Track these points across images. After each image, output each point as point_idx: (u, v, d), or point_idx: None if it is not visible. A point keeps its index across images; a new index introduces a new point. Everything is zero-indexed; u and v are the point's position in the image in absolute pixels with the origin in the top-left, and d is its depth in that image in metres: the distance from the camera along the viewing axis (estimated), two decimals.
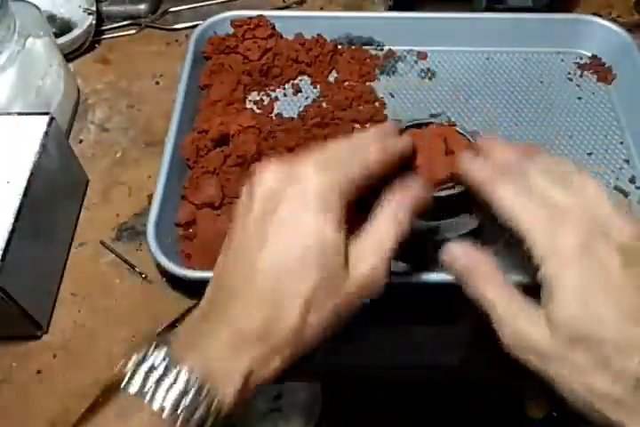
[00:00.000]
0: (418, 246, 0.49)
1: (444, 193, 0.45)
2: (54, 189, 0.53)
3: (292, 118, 0.62)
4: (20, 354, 0.51)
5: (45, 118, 0.52)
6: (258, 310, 0.33)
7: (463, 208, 0.47)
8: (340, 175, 0.35)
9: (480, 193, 0.37)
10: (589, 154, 0.60)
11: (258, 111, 0.63)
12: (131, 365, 0.32)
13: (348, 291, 0.34)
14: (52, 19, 0.71)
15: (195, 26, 0.69)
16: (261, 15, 0.66)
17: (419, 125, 0.49)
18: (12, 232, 0.46)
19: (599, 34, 0.66)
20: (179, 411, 0.30)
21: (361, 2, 0.76)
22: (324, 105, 0.63)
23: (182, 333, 0.34)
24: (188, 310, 0.52)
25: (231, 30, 0.66)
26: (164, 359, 0.31)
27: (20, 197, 0.48)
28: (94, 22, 0.70)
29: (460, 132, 0.48)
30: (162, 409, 0.30)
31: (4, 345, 0.51)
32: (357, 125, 0.61)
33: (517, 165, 0.36)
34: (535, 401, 0.80)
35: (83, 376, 0.50)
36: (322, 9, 0.75)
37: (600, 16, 0.68)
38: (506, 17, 0.67)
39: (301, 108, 0.63)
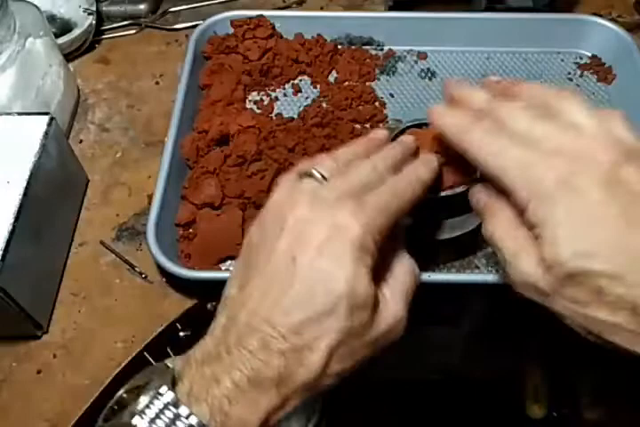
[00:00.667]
0: (421, 245, 0.49)
1: (443, 193, 0.45)
2: (54, 189, 0.53)
3: (292, 118, 0.62)
4: (20, 354, 0.51)
5: (45, 118, 0.52)
6: (278, 358, 0.31)
7: (465, 207, 0.47)
8: (378, 227, 0.34)
9: (458, 146, 0.36)
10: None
11: (258, 111, 0.63)
12: (143, 402, 0.31)
13: (371, 340, 0.34)
14: (52, 19, 0.71)
15: (195, 26, 0.69)
16: (261, 15, 0.66)
17: (419, 125, 0.49)
18: (12, 232, 0.46)
19: (599, 34, 0.66)
20: None
21: (361, 2, 0.76)
22: (323, 105, 0.63)
23: (195, 367, 0.32)
24: (188, 310, 0.53)
25: (231, 30, 0.66)
26: (175, 403, 0.30)
27: (20, 197, 0.48)
28: (94, 22, 0.70)
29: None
30: None
31: (4, 345, 0.51)
32: (357, 125, 0.61)
33: (495, 108, 0.35)
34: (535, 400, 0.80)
35: (83, 376, 0.50)
36: (322, 9, 0.75)
37: (600, 16, 0.68)
38: (506, 17, 0.67)
39: (301, 108, 0.63)
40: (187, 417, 0.30)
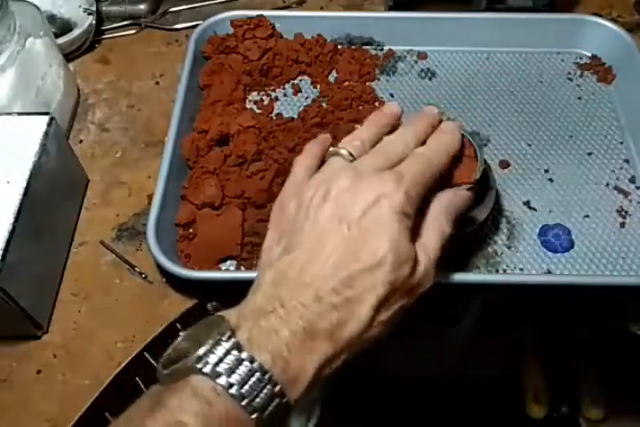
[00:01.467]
0: None
1: None
2: (54, 189, 0.53)
3: (292, 118, 0.61)
4: (20, 354, 0.51)
5: (45, 118, 0.52)
6: (331, 311, 0.34)
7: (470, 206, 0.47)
8: (415, 193, 0.38)
9: None
10: (589, 154, 0.60)
11: (258, 111, 0.63)
12: (205, 347, 0.32)
13: (408, 290, 0.37)
14: (52, 19, 0.71)
15: (195, 26, 0.69)
16: (261, 15, 0.66)
17: None
18: (12, 232, 0.46)
19: (599, 34, 0.66)
20: (247, 396, 0.31)
21: (361, 2, 0.76)
22: (323, 105, 0.63)
23: (250, 319, 0.34)
24: (189, 310, 0.52)
25: (231, 30, 0.66)
26: (239, 347, 0.32)
27: (20, 197, 0.48)
28: (94, 22, 0.69)
29: (460, 133, 0.48)
30: (230, 387, 0.31)
31: (4, 345, 0.51)
32: (357, 125, 0.61)
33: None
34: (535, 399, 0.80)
35: (83, 376, 0.50)
36: (322, 9, 0.75)
37: (600, 16, 0.68)
38: (506, 17, 0.67)
39: (301, 108, 0.63)
40: (250, 361, 0.31)
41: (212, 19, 0.67)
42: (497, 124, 0.62)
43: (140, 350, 0.51)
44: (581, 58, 0.68)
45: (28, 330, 0.50)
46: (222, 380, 0.31)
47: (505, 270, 0.52)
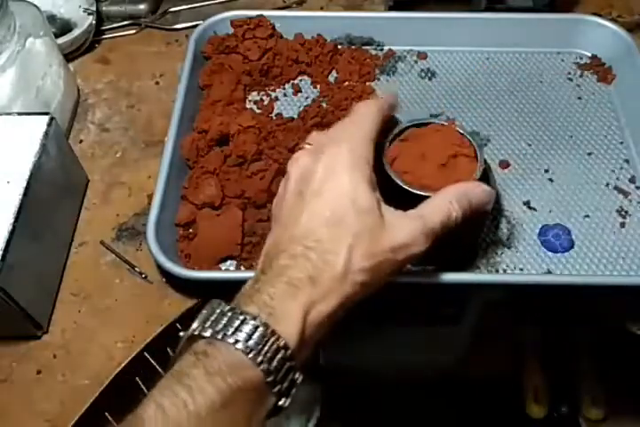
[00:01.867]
0: None
1: None
2: (54, 189, 0.53)
3: (292, 118, 0.61)
4: (20, 354, 0.51)
5: (45, 118, 0.52)
6: (307, 261, 0.37)
7: None
8: (358, 142, 0.42)
9: None
10: (589, 154, 0.60)
11: (258, 111, 0.63)
12: (201, 317, 0.35)
13: (391, 247, 0.39)
14: (52, 19, 0.71)
15: (195, 26, 0.69)
16: (261, 15, 0.66)
17: (418, 125, 0.49)
18: (12, 232, 0.46)
19: (599, 34, 0.66)
20: (250, 345, 0.33)
21: (361, 2, 0.76)
22: (323, 105, 0.63)
23: (244, 289, 0.38)
24: (189, 310, 0.52)
25: (231, 30, 0.66)
26: (231, 309, 0.35)
27: (20, 197, 0.48)
28: (94, 22, 0.70)
29: (459, 132, 0.49)
30: (236, 343, 0.33)
31: (4, 345, 0.51)
32: None
33: None
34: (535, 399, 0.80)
35: (83, 376, 0.50)
36: (322, 9, 0.75)
37: (600, 16, 0.67)
38: (506, 17, 0.67)
39: (301, 108, 0.63)
40: (240, 314, 0.35)
41: (212, 19, 0.67)
42: (497, 124, 0.62)
43: (140, 350, 0.51)
44: (581, 58, 0.68)
45: (28, 330, 0.50)
46: (220, 336, 0.34)
47: (505, 270, 0.52)
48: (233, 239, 0.52)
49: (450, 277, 0.49)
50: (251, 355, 0.33)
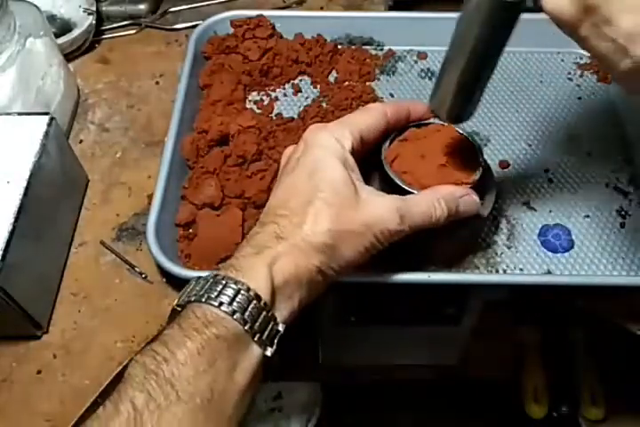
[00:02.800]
0: (422, 245, 0.49)
1: None
2: (54, 189, 0.53)
3: (292, 118, 0.62)
4: (20, 354, 0.51)
5: (45, 118, 0.52)
6: (275, 225, 0.40)
7: None
8: (341, 128, 0.44)
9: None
10: (589, 154, 0.60)
11: (258, 111, 0.63)
12: (181, 293, 0.38)
13: (363, 220, 0.40)
14: (52, 19, 0.71)
15: (195, 26, 0.69)
16: (261, 15, 0.66)
17: (418, 126, 0.49)
18: (12, 232, 0.46)
19: None
20: (223, 300, 0.36)
21: (360, 1, 0.76)
22: (323, 105, 0.63)
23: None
24: None
25: (231, 30, 0.66)
26: (201, 278, 0.38)
27: (20, 197, 0.48)
28: (94, 22, 0.70)
29: (459, 133, 0.49)
30: (209, 300, 0.36)
31: (4, 345, 0.51)
32: None
33: None
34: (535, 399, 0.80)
35: (83, 376, 0.50)
36: (322, 9, 0.75)
37: None
38: None
39: (301, 108, 0.63)
40: (210, 278, 0.37)
41: (212, 19, 0.67)
42: (497, 124, 0.62)
43: (140, 350, 0.51)
44: (581, 58, 0.68)
45: (28, 330, 0.50)
46: (194, 298, 0.37)
47: (505, 270, 0.52)
48: (233, 239, 0.52)
49: (450, 277, 0.50)
50: (223, 307, 0.35)
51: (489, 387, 0.83)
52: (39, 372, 0.50)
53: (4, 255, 0.45)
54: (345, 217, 0.40)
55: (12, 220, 0.46)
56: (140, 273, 0.54)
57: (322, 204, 0.40)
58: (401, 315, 0.57)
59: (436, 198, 0.43)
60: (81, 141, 0.64)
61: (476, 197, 0.46)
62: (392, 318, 0.58)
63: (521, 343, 0.80)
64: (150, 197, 0.56)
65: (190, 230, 0.54)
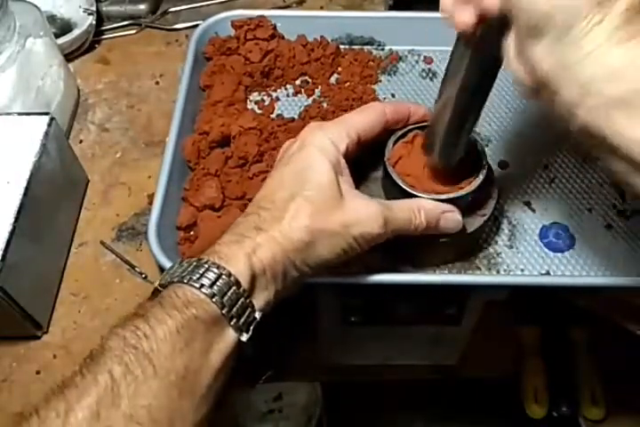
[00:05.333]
0: (422, 245, 0.49)
1: (444, 196, 0.45)
2: (54, 189, 0.53)
3: (293, 119, 0.61)
4: (20, 354, 0.51)
5: (45, 118, 0.52)
6: (256, 216, 0.41)
7: (468, 209, 0.47)
8: (336, 127, 0.45)
9: None
10: (590, 154, 0.60)
11: (259, 112, 0.63)
12: (163, 274, 0.39)
13: (343, 221, 0.41)
14: (51, 19, 0.71)
15: (195, 26, 0.69)
16: (262, 15, 0.66)
17: (422, 128, 0.49)
18: (12, 232, 0.46)
19: None
20: (204, 282, 0.37)
21: (360, 1, 0.76)
22: (324, 105, 0.63)
23: None
24: None
25: (232, 30, 0.66)
26: (184, 261, 0.39)
27: (20, 197, 0.48)
28: (94, 22, 0.70)
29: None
30: (190, 281, 0.37)
31: (4, 345, 0.51)
32: None
33: None
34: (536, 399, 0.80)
35: None
36: (322, 8, 0.75)
37: None
38: None
39: (302, 109, 0.63)
40: (192, 262, 0.38)
41: (212, 19, 0.66)
42: (497, 125, 0.62)
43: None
44: None
45: (28, 330, 0.50)
46: (176, 279, 0.38)
47: (506, 271, 0.52)
48: None
49: (451, 278, 0.49)
50: (203, 289, 0.36)
51: (489, 387, 0.83)
52: (39, 372, 0.50)
53: (3, 255, 0.45)
54: (324, 216, 0.41)
55: (12, 220, 0.46)
56: (140, 273, 0.54)
57: (304, 200, 0.41)
58: (401, 315, 0.57)
59: (419, 210, 0.44)
60: (81, 141, 0.64)
61: (458, 217, 0.46)
62: (392, 318, 0.58)
63: (521, 343, 0.80)
64: (150, 196, 0.56)
65: (192, 233, 0.54)
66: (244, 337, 0.38)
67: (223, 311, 0.37)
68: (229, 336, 0.37)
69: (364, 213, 0.42)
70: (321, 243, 0.41)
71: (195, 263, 0.38)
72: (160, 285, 0.39)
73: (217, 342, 0.37)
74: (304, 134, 0.45)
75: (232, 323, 0.37)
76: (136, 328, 0.35)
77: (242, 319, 0.38)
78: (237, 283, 0.37)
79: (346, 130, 0.45)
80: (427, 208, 0.45)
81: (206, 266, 0.37)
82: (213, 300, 0.36)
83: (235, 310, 0.37)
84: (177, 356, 0.34)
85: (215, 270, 0.37)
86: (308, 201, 0.41)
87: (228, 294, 0.37)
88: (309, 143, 0.44)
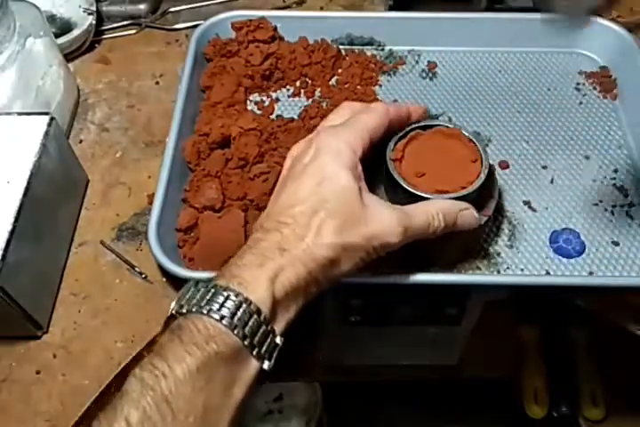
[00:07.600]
0: (422, 245, 0.49)
1: (447, 196, 0.45)
2: (54, 189, 0.53)
3: (293, 119, 0.61)
4: (20, 354, 0.51)
5: (45, 118, 0.52)
6: (278, 234, 0.39)
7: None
8: (351, 131, 0.44)
9: None
10: (589, 154, 0.60)
11: (258, 112, 0.63)
12: (177, 297, 0.38)
13: (367, 234, 0.40)
14: (51, 19, 0.71)
15: (195, 26, 0.69)
16: (262, 17, 0.66)
17: (423, 128, 0.49)
18: (12, 232, 0.46)
19: (599, 34, 0.66)
20: (224, 313, 0.35)
21: (360, 1, 0.76)
22: (324, 105, 0.63)
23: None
24: None
25: (232, 30, 0.66)
26: (203, 285, 0.37)
27: (20, 197, 0.48)
28: (94, 22, 0.69)
29: (464, 135, 0.49)
30: (210, 312, 0.35)
31: (4, 345, 0.51)
32: None
33: None
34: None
35: (83, 376, 0.50)
36: (322, 9, 0.75)
37: (600, 16, 0.67)
38: (506, 17, 0.67)
39: (302, 109, 0.63)
40: (212, 287, 0.37)
41: (213, 19, 0.66)
42: (497, 125, 0.62)
43: (140, 350, 0.51)
44: (582, 58, 0.68)
45: (28, 330, 0.50)
46: (195, 309, 0.36)
47: (506, 271, 0.52)
48: (235, 241, 0.52)
49: (451, 278, 0.50)
50: (224, 321, 0.35)
51: (489, 387, 0.83)
52: (39, 372, 0.50)
53: (3, 255, 0.45)
54: (348, 230, 0.40)
55: (12, 220, 0.46)
56: (140, 273, 0.54)
57: (326, 215, 0.40)
58: (401, 315, 0.57)
59: (436, 213, 0.43)
60: (81, 141, 0.64)
61: (476, 214, 0.46)
62: (392, 318, 0.58)
63: (521, 343, 0.80)
64: (150, 197, 0.56)
65: (192, 234, 0.54)
66: (266, 365, 0.37)
67: (245, 342, 0.35)
68: (251, 366, 0.36)
69: (386, 224, 0.41)
70: (344, 257, 0.40)
71: (212, 290, 0.36)
72: (176, 312, 0.37)
73: (239, 376, 0.36)
74: (317, 141, 0.44)
75: (254, 353, 0.36)
76: (154, 367, 0.34)
77: (264, 347, 0.36)
78: (258, 311, 0.36)
79: (360, 133, 0.44)
80: (444, 209, 0.44)
81: (225, 294, 0.36)
82: (235, 332, 0.35)
83: (256, 338, 0.36)
84: (197, 396, 0.33)
85: (235, 299, 0.36)
86: (331, 215, 0.40)
87: (250, 323, 0.36)
88: (325, 151, 0.42)
